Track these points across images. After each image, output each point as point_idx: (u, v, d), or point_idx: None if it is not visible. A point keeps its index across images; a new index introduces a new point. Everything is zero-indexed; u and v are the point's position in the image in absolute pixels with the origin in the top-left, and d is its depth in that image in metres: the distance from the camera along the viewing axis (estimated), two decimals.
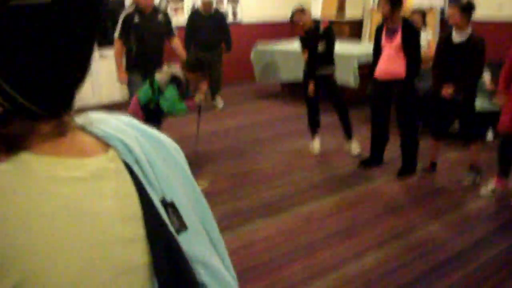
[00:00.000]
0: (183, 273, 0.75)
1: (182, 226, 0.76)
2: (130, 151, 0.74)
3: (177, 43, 6.27)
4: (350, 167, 5.48)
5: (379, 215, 4.30)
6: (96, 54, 9.14)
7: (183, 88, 4.96)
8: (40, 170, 0.64)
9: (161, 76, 4.91)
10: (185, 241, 0.76)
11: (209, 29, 8.12)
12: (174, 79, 4.86)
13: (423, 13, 6.56)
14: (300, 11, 5.70)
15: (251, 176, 5.32)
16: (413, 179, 5.09)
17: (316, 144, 5.94)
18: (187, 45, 8.04)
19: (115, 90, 6.88)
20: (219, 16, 8.45)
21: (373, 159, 5.42)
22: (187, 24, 8.31)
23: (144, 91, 4.99)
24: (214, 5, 8.40)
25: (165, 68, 5.05)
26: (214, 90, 8.50)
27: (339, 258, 3.63)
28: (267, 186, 5.01)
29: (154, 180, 0.75)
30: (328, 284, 3.32)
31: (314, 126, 5.93)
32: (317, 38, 5.60)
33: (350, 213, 4.37)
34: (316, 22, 5.72)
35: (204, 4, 8.19)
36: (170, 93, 4.82)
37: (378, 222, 4.17)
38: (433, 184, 5.01)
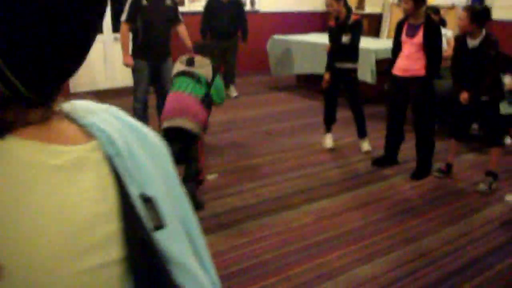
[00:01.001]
0: (159, 271, 0.73)
1: (160, 223, 0.74)
2: (112, 142, 0.73)
3: (183, 30, 6.13)
4: (363, 165, 5.36)
5: (391, 216, 4.19)
6: (111, 37, 9.08)
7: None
8: (22, 155, 0.63)
9: (200, 67, 4.40)
10: (162, 238, 0.73)
11: (227, 16, 8.05)
12: (215, 68, 4.45)
13: (436, 10, 6.40)
14: None
15: (261, 169, 5.22)
16: (427, 181, 4.96)
17: (329, 139, 5.83)
18: (203, 31, 8.09)
19: (128, 74, 6.79)
20: (238, 4, 8.37)
21: (387, 158, 5.30)
22: (204, 10, 8.25)
23: (197, 89, 4.32)
24: None
25: (200, 60, 4.48)
26: (228, 79, 8.38)
27: (349, 260, 3.53)
28: (277, 180, 4.91)
29: (135, 174, 0.73)
30: (337, 286, 3.23)
31: (329, 121, 5.81)
32: (344, 28, 5.42)
33: (362, 212, 4.26)
34: (348, 12, 5.48)
35: None
36: (218, 81, 4.42)
37: (390, 224, 4.06)
38: (448, 187, 4.87)
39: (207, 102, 4.30)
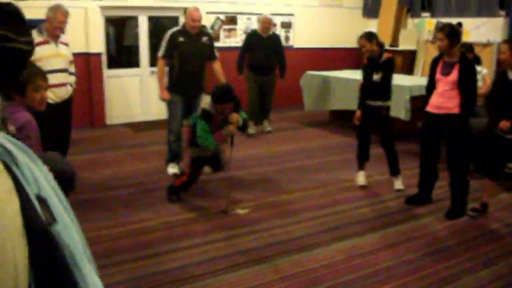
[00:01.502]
0: (59, 265, 0.88)
1: (52, 220, 0.90)
2: (8, 153, 0.87)
3: (218, 67, 6.26)
4: (396, 203, 5.30)
5: (424, 256, 4.11)
6: (147, 71, 9.27)
7: (216, 121, 4.90)
8: None
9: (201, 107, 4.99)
10: (59, 230, 0.90)
11: (266, 51, 8.04)
12: (203, 114, 4.86)
13: (471, 48, 6.35)
14: (363, 37, 5.40)
15: (293, 205, 5.21)
16: (462, 221, 4.86)
17: (361, 177, 5.78)
18: (240, 66, 8.15)
19: (163, 107, 6.90)
20: (277, 39, 8.37)
21: (420, 197, 5.23)
22: (243, 45, 8.31)
23: (193, 117, 5.19)
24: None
25: (206, 98, 5.01)
26: (263, 114, 8.45)
27: None
28: (308, 217, 4.89)
29: (30, 179, 0.89)
30: None
31: (362, 159, 5.76)
32: (376, 66, 5.41)
33: (394, 251, 4.19)
34: (381, 50, 5.44)
35: (263, 22, 8.08)
36: (200, 127, 4.84)
37: (423, 264, 3.98)
38: (483, 227, 4.76)
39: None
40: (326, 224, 4.71)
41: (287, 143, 7.50)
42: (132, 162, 6.75)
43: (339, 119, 8.92)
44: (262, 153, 7.11)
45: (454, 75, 4.74)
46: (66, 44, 5.61)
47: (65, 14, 5.46)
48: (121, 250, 4.15)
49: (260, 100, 8.30)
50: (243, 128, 5.16)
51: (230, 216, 4.87)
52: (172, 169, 6.11)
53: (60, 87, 5.46)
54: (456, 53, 4.79)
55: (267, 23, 8.06)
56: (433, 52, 9.55)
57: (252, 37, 8.21)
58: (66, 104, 5.61)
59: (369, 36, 5.37)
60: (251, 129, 8.07)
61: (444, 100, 4.83)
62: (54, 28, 5.33)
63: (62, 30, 5.50)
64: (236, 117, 4.91)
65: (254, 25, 10.27)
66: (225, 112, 4.89)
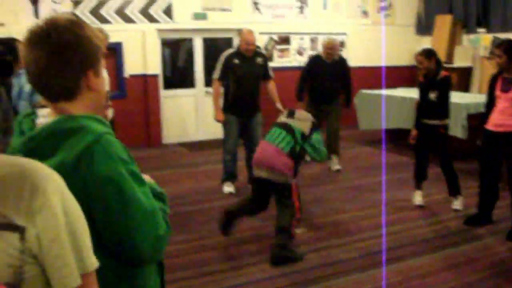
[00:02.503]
0: None
1: None
2: None
3: (272, 87, 6.34)
4: (454, 223, 5.18)
5: (485, 279, 4.00)
6: (202, 91, 9.45)
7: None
8: None
9: (299, 122, 4.56)
10: None
11: (330, 78, 7.04)
12: (315, 124, 4.62)
13: None
14: (422, 54, 5.30)
15: (349, 225, 5.18)
16: None
17: (418, 196, 5.69)
18: (299, 94, 7.25)
19: (218, 127, 7.03)
20: (343, 64, 7.32)
21: (480, 217, 5.10)
22: (303, 71, 7.35)
23: (279, 137, 4.46)
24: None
25: (300, 114, 4.69)
26: (330, 149, 6.96)
27: None
28: (364, 236, 4.85)
29: None
30: None
31: (419, 178, 5.66)
32: (432, 85, 5.32)
33: (454, 273, 4.10)
34: (438, 68, 5.33)
35: (326, 48, 7.06)
36: (316, 137, 4.55)
37: (485, 287, 3.88)
38: None
39: (297, 154, 4.43)
40: (382, 244, 4.65)
41: (341, 162, 7.45)
42: (188, 181, 6.88)
43: (393, 138, 8.82)
44: (317, 172, 7.10)
45: None
46: (104, 67, 5.71)
47: (106, 37, 5.63)
48: (176, 267, 4.22)
49: (326, 132, 7.19)
50: None
51: None
52: (228, 187, 6.19)
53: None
54: None
55: (329, 48, 7.01)
56: (490, 68, 9.38)
57: (313, 63, 7.27)
58: (111, 125, 5.75)
59: (428, 53, 5.31)
60: (334, 164, 7.36)
61: (505, 117, 4.73)
62: None
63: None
64: None
65: (306, 44, 10.37)
66: None
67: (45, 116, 1.49)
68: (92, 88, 1.48)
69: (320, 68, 7.08)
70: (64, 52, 1.39)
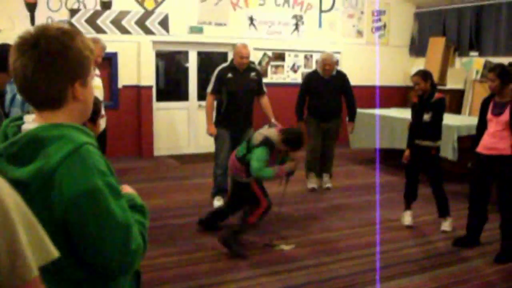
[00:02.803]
0: None
1: None
2: None
3: (266, 101, 6.34)
4: (443, 244, 5.19)
5: None
6: (195, 104, 9.46)
7: (275, 154, 4.94)
8: None
9: (258, 134, 4.95)
10: None
11: (329, 93, 6.88)
12: (267, 142, 4.82)
13: None
14: (419, 75, 5.35)
15: (337, 243, 5.17)
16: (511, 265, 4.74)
17: (408, 216, 5.70)
18: (298, 112, 7.04)
19: (210, 141, 7.05)
20: (342, 78, 7.08)
21: (469, 239, 5.11)
22: (301, 88, 7.18)
23: (241, 145, 5.13)
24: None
25: (265, 127, 5.09)
26: (323, 167, 7.21)
27: None
28: (354, 255, 4.84)
29: None
30: None
31: (410, 198, 5.68)
32: (426, 106, 5.35)
33: None
34: (433, 90, 5.36)
35: (322, 63, 6.88)
36: (258, 153, 4.78)
37: None
38: None
39: (245, 163, 4.93)
40: (372, 263, 4.65)
41: (333, 180, 7.46)
42: (178, 194, 6.86)
43: (385, 158, 8.85)
44: (306, 189, 7.09)
45: (506, 115, 4.69)
46: (99, 76, 5.71)
47: (103, 48, 5.62)
48: (165, 280, 4.20)
49: (322, 149, 7.15)
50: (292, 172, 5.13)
51: (275, 252, 4.88)
52: (218, 201, 6.18)
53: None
54: (508, 93, 4.74)
55: (326, 64, 6.82)
56: (481, 91, 9.48)
57: (310, 79, 7.08)
58: (102, 135, 5.70)
59: (425, 75, 5.35)
60: (311, 182, 7.13)
61: (496, 140, 4.76)
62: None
63: (98, 63, 5.61)
64: (298, 155, 5.02)
65: (301, 61, 10.43)
66: (283, 152, 5.00)
67: (30, 122, 1.49)
68: (79, 99, 1.48)
69: (318, 84, 6.92)
70: (52, 62, 1.40)
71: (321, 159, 7.12)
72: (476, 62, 10.22)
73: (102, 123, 5.69)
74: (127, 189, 1.71)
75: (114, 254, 1.41)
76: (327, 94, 6.86)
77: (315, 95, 6.94)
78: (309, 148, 6.99)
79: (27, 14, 8.07)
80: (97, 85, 5.49)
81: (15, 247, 1.02)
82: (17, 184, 1.29)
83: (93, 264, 1.43)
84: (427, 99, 5.37)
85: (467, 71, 10.36)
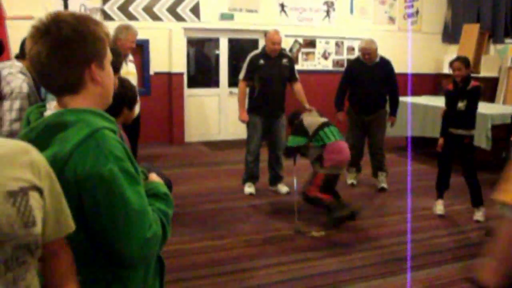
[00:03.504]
0: None
1: None
2: None
3: (299, 88, 6.28)
4: (476, 234, 5.14)
5: None
6: (226, 91, 9.49)
7: None
8: None
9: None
10: None
11: (372, 83, 6.36)
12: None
13: None
14: (461, 61, 5.24)
15: (369, 230, 5.17)
16: None
17: (440, 205, 5.65)
18: (338, 102, 6.65)
19: (240, 127, 7.07)
20: (385, 66, 6.49)
21: None
22: (342, 76, 6.74)
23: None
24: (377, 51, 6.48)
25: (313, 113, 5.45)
26: (374, 166, 6.71)
27: None
28: (385, 243, 4.84)
29: None
30: None
31: (442, 187, 5.62)
32: (461, 94, 5.27)
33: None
34: (468, 77, 5.27)
35: (362, 50, 6.42)
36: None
37: None
38: None
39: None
40: (402, 252, 4.63)
41: (363, 169, 7.43)
42: (209, 180, 6.92)
43: (416, 146, 8.77)
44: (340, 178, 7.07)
45: None
46: (133, 62, 5.77)
47: (135, 34, 5.66)
48: (197, 265, 4.26)
49: (369, 145, 6.72)
50: None
51: (305, 238, 4.90)
52: (249, 188, 6.21)
53: None
54: None
55: (366, 53, 6.35)
56: None
57: (353, 66, 6.64)
58: (136, 121, 5.75)
59: (467, 62, 5.27)
60: (350, 178, 6.84)
61: None
62: (125, 48, 5.43)
63: (132, 50, 5.67)
64: None
65: (332, 48, 10.36)
66: None
67: (51, 109, 1.51)
68: (97, 81, 1.49)
69: (360, 72, 6.41)
70: (64, 47, 1.40)
71: (371, 156, 6.68)
72: (511, 49, 10.01)
73: (137, 108, 5.77)
74: (153, 177, 1.69)
75: (128, 242, 1.39)
76: (369, 84, 6.32)
77: (357, 84, 6.44)
78: (350, 143, 6.20)
79: (60, 2, 8.17)
80: (131, 71, 5.57)
81: (60, 206, 1.28)
82: None
83: (109, 252, 1.42)
84: (462, 86, 5.29)
85: (501, 59, 10.16)
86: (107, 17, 8.37)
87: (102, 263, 1.46)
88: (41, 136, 1.40)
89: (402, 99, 8.74)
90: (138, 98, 5.81)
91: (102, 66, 1.50)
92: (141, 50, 8.80)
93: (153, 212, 1.48)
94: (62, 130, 1.39)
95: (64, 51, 1.41)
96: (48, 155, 1.34)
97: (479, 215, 5.45)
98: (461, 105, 5.26)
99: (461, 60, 5.29)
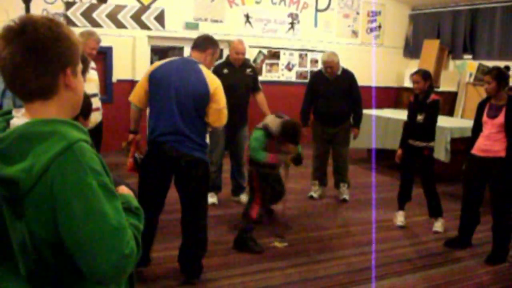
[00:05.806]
0: None
1: None
2: None
3: (261, 98, 6.30)
4: (435, 245, 5.23)
5: None
6: None
7: (273, 144, 4.94)
8: None
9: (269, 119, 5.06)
10: None
11: (334, 95, 6.33)
12: (265, 128, 4.89)
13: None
14: (419, 74, 5.34)
15: (330, 241, 5.20)
16: (503, 267, 4.77)
17: (400, 217, 5.73)
18: (303, 115, 6.61)
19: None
20: (349, 78, 6.46)
21: (460, 240, 5.15)
22: (307, 88, 6.72)
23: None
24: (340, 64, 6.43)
25: (271, 116, 5.13)
26: (337, 176, 6.69)
27: None
28: (346, 254, 4.87)
29: None
30: None
31: (403, 198, 5.71)
32: (421, 106, 5.38)
33: None
34: (429, 91, 5.37)
35: (325, 66, 6.32)
36: (256, 134, 4.92)
37: None
38: None
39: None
40: (364, 262, 4.67)
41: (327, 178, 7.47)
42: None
43: (377, 158, 8.88)
44: (302, 188, 7.10)
45: (501, 118, 4.72)
46: (95, 69, 5.67)
47: (98, 41, 5.58)
48: (173, 273, 4.24)
49: (332, 157, 6.68)
50: (297, 162, 5.02)
51: (268, 249, 4.88)
52: (211, 198, 6.16)
53: (93, 112, 5.54)
54: (504, 96, 4.77)
55: (328, 67, 6.28)
56: (474, 94, 9.55)
57: (315, 79, 6.62)
58: (97, 129, 5.66)
59: (426, 75, 5.37)
60: (311, 190, 6.78)
61: (491, 143, 4.80)
62: (86, 54, 5.25)
63: (93, 56, 5.55)
64: (294, 148, 4.94)
65: (295, 60, 10.44)
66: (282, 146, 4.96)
67: (19, 117, 1.42)
68: (70, 87, 1.42)
69: (323, 85, 6.41)
70: (41, 48, 1.34)
71: (334, 168, 6.66)
72: (469, 65, 10.28)
73: (98, 116, 5.69)
74: (123, 189, 1.63)
75: (105, 259, 1.31)
76: (332, 96, 6.32)
77: (320, 97, 6.43)
78: (314, 155, 6.67)
79: (22, 6, 8.01)
80: (93, 78, 5.46)
81: None
82: (6, 182, 1.26)
83: (84, 270, 1.34)
84: (422, 99, 5.40)
85: (460, 74, 10.43)
86: (70, 23, 8.24)
87: (71, 280, 1.40)
88: (13, 147, 1.31)
89: (366, 111, 8.85)
90: (100, 105, 5.77)
91: (75, 73, 1.44)
92: (104, 57, 8.69)
93: (129, 227, 1.42)
94: (37, 141, 1.30)
95: (40, 53, 1.34)
96: (22, 167, 1.27)
97: (438, 226, 5.54)
98: (420, 117, 5.37)
99: (420, 73, 5.41)
